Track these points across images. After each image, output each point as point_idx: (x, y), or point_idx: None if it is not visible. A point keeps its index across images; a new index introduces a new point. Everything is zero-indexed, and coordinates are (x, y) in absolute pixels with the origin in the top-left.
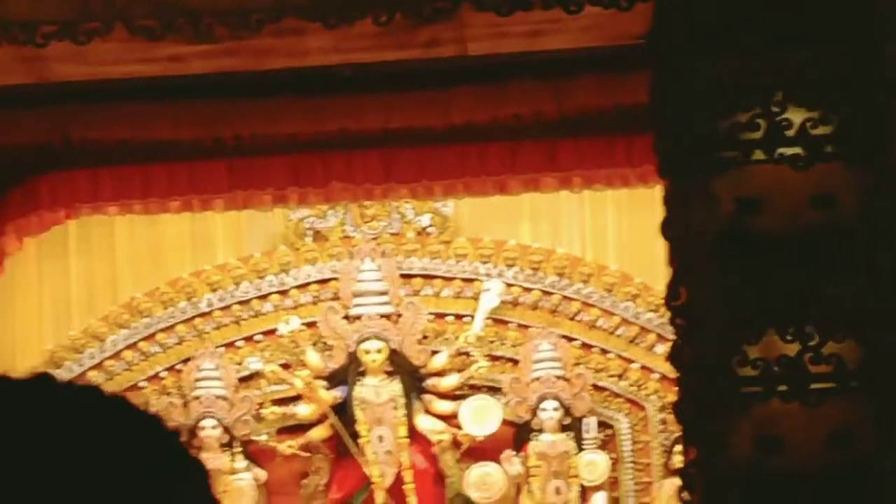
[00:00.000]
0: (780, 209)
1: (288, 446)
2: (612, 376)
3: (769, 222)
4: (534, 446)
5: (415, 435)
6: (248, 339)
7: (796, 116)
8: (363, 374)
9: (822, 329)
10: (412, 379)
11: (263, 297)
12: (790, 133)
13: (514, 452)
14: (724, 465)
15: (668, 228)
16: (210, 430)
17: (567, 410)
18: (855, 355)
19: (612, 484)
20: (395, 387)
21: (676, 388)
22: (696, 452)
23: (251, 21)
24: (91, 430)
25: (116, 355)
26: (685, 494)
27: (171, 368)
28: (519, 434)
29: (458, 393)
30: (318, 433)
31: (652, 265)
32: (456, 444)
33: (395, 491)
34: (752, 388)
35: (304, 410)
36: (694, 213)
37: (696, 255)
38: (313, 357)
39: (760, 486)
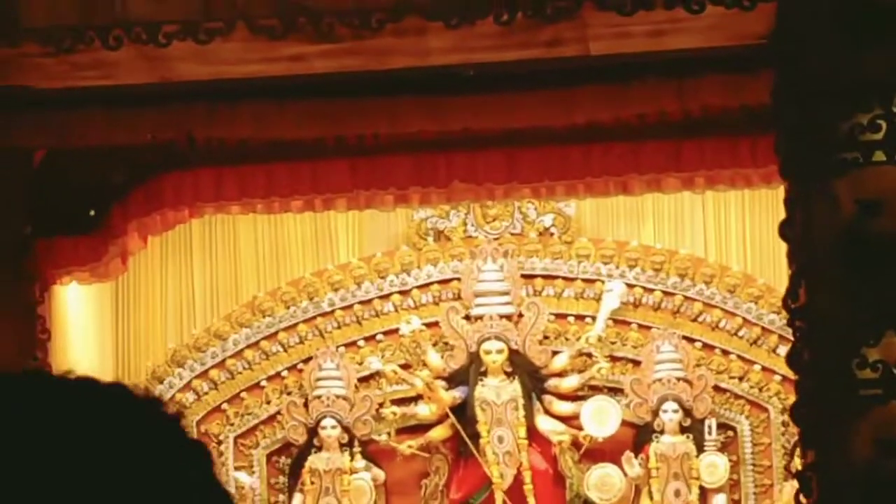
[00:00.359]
0: None
1: (408, 446)
2: (733, 378)
3: (889, 224)
4: (654, 448)
5: (535, 436)
6: (370, 338)
7: None
8: (484, 374)
9: None
10: (533, 379)
11: (385, 297)
12: None
13: (634, 454)
14: (843, 469)
15: (787, 229)
16: (330, 430)
17: (688, 412)
18: None
19: (733, 486)
20: (516, 387)
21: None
22: (813, 456)
23: (372, 21)
24: (87, 418)
25: (238, 354)
26: (802, 498)
27: (292, 368)
28: (639, 435)
29: (578, 394)
30: (438, 433)
31: (775, 266)
32: (576, 445)
33: (515, 492)
34: (872, 391)
35: (424, 411)
36: (814, 214)
37: (815, 257)
38: (434, 357)
39: (879, 489)
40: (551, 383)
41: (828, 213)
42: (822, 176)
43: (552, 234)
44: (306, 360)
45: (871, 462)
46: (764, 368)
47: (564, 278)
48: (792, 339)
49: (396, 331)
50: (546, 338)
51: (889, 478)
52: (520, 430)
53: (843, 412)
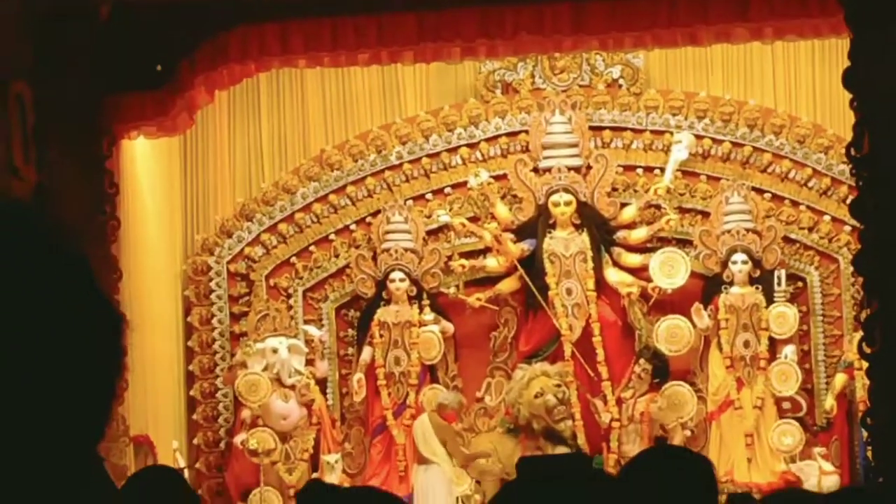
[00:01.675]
0: None
1: (476, 299)
2: (802, 229)
3: None
4: (723, 299)
5: (603, 287)
6: (438, 191)
7: None
8: (552, 226)
9: None
10: (601, 231)
11: (453, 150)
12: None
13: (703, 305)
14: None
15: (851, 78)
16: (399, 283)
17: (757, 263)
18: None
19: (802, 337)
20: (584, 239)
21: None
22: (877, 305)
23: None
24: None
25: (306, 208)
26: (866, 347)
27: (360, 221)
28: (708, 287)
29: (647, 245)
30: (507, 286)
31: (845, 117)
32: (645, 296)
33: (584, 343)
34: None
35: (492, 263)
36: (877, 62)
37: (879, 106)
38: (502, 210)
39: None
40: (620, 235)
41: (890, 62)
42: (887, 24)
43: (620, 86)
44: (374, 214)
45: None
46: (834, 219)
47: (633, 130)
48: None
49: (464, 184)
50: (614, 189)
51: None
52: (588, 281)
53: None
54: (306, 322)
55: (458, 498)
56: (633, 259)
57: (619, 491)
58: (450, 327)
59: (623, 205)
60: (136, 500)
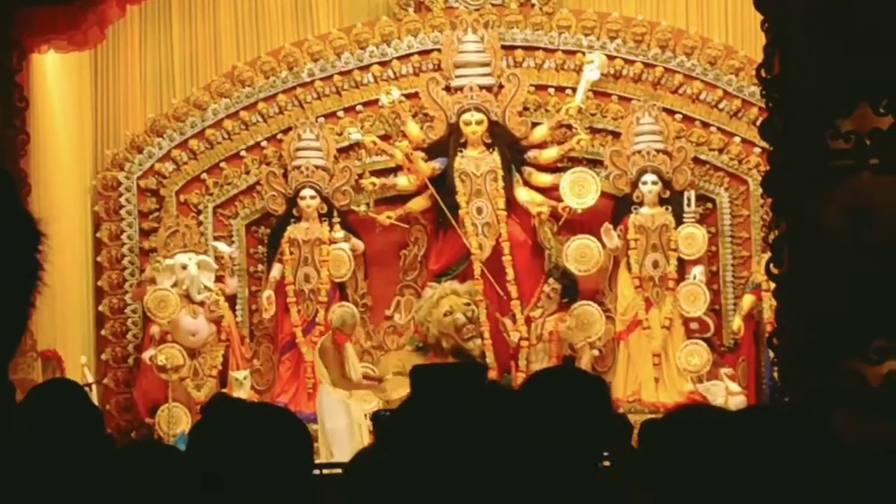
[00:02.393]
0: None
1: (386, 217)
2: (713, 150)
3: None
4: (633, 219)
5: (514, 207)
6: (349, 109)
7: None
8: (463, 145)
9: None
10: (512, 151)
11: (365, 68)
12: None
13: (613, 225)
14: (813, 239)
15: (763, 0)
16: (309, 200)
17: (667, 184)
18: None
19: (711, 258)
20: (495, 159)
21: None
22: (785, 226)
23: None
24: None
25: (217, 124)
26: (773, 267)
27: (271, 138)
28: (618, 207)
29: (558, 165)
30: (417, 204)
31: (757, 38)
32: (555, 216)
33: (493, 262)
34: (844, 162)
35: (403, 181)
36: None
37: (790, 28)
38: (413, 128)
39: (851, 258)
40: (531, 154)
41: None
42: None
43: (533, 5)
44: (286, 131)
45: (841, 232)
46: (744, 141)
47: (545, 49)
48: None
49: (376, 102)
50: (526, 109)
51: (858, 247)
52: (499, 201)
53: (815, 182)
54: (216, 238)
55: (365, 415)
56: (544, 179)
57: (514, 404)
58: (360, 245)
59: (534, 124)
60: (37, 412)
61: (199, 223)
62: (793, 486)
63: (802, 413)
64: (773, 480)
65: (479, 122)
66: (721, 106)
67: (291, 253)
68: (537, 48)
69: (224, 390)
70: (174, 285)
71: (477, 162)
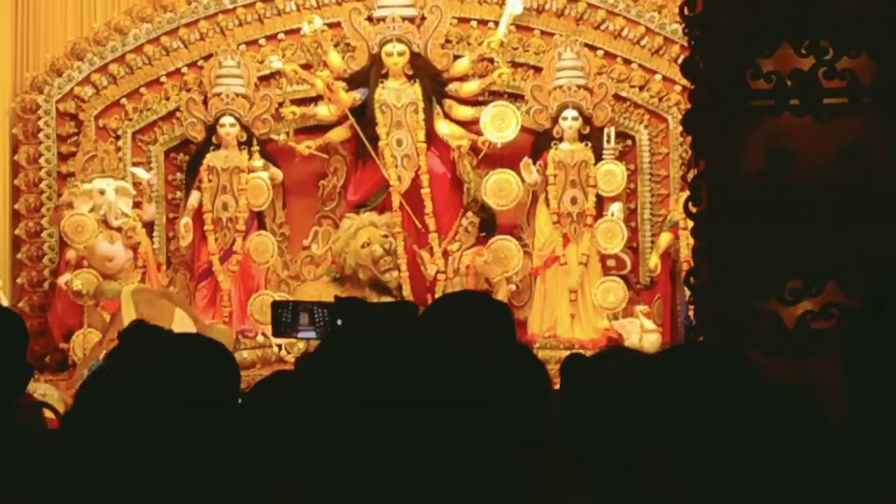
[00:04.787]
0: None
1: (306, 146)
2: (633, 87)
3: None
4: (552, 155)
5: (434, 140)
6: (271, 37)
7: None
8: (385, 76)
9: (837, 43)
10: (433, 83)
11: None
12: None
13: (532, 160)
14: (733, 178)
15: None
16: (229, 128)
17: (587, 120)
18: (868, 71)
19: (629, 195)
20: (416, 90)
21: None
22: (704, 164)
23: None
24: None
25: (138, 49)
26: (691, 206)
27: (192, 65)
28: (538, 142)
29: (479, 99)
30: (337, 134)
31: None
32: (475, 150)
33: (412, 195)
34: (765, 102)
35: (323, 111)
36: None
37: None
38: (335, 58)
39: (769, 198)
40: (452, 87)
41: None
42: None
43: None
44: (207, 58)
45: (760, 172)
46: (665, 78)
47: None
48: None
49: (298, 30)
50: (448, 41)
51: (778, 188)
52: (419, 133)
53: (735, 122)
54: (135, 164)
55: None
56: (465, 112)
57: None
58: (279, 174)
59: (456, 57)
60: None
61: (118, 149)
62: (719, 423)
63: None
64: (699, 420)
65: (400, 54)
66: (643, 43)
67: (210, 181)
68: None
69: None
70: (91, 210)
71: (398, 93)
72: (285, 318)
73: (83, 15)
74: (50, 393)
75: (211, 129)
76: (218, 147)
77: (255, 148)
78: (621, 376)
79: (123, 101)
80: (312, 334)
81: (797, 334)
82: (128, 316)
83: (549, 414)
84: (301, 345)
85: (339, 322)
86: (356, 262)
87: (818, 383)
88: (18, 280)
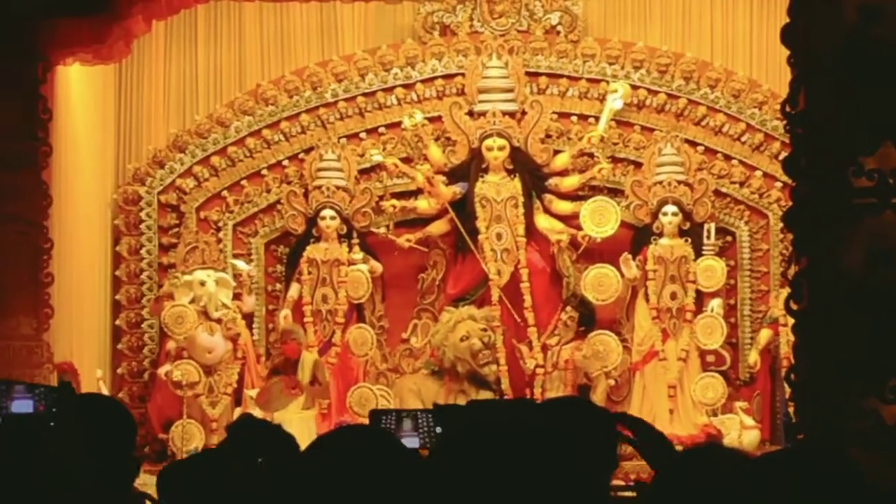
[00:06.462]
0: None
1: (406, 240)
2: (734, 183)
3: (890, 32)
4: (652, 250)
5: (533, 234)
6: (372, 131)
7: None
8: (485, 170)
9: None
10: (533, 178)
11: (388, 90)
12: None
13: (632, 255)
14: (834, 276)
15: (789, 34)
16: (329, 221)
17: (687, 215)
18: None
19: (729, 291)
20: (516, 185)
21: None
22: (806, 262)
23: None
24: None
25: (240, 142)
26: (793, 304)
27: (293, 157)
28: (637, 237)
29: (578, 193)
30: (437, 228)
31: (781, 73)
32: (574, 244)
33: (511, 288)
34: (866, 200)
35: (423, 205)
36: (816, 20)
37: (816, 64)
38: (435, 151)
39: (870, 296)
40: (552, 182)
41: (830, 20)
42: None
43: (558, 33)
44: (308, 151)
45: (861, 270)
46: (765, 175)
47: (569, 77)
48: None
49: (399, 124)
50: (548, 136)
51: (879, 287)
52: (518, 227)
53: (836, 220)
54: (235, 256)
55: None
56: (564, 206)
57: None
58: (378, 267)
59: (556, 152)
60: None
61: (219, 240)
62: None
63: (829, 456)
64: None
65: (501, 148)
66: (743, 139)
67: (310, 273)
68: (561, 76)
69: (238, 409)
70: (192, 301)
71: (498, 187)
72: (388, 425)
73: (185, 107)
74: (150, 483)
75: (311, 221)
76: (318, 239)
77: (355, 241)
78: (721, 478)
79: (225, 193)
80: (416, 442)
81: None
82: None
83: None
84: None
85: (438, 430)
86: (455, 355)
87: None
88: (119, 370)
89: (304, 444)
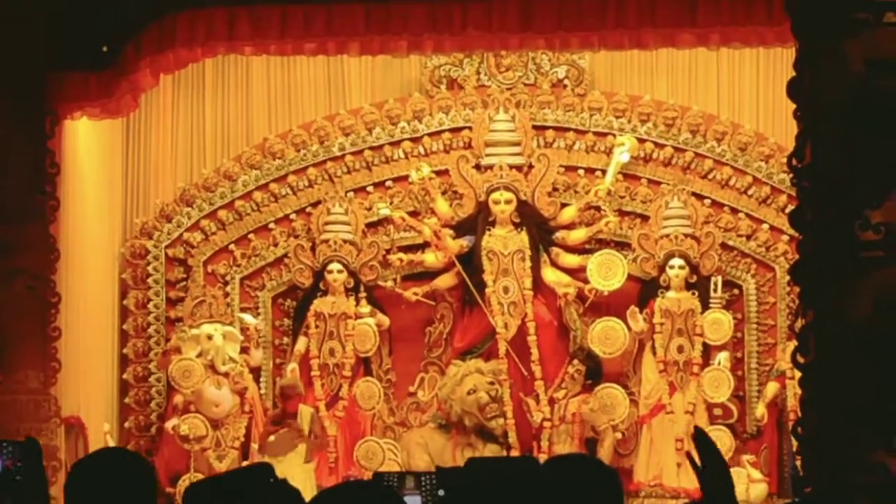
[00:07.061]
0: None
1: (413, 293)
2: (741, 236)
3: None
4: (659, 303)
5: (540, 287)
6: (379, 184)
7: None
8: (492, 224)
9: None
10: (540, 231)
11: (395, 144)
12: None
13: (639, 308)
14: (841, 329)
15: (796, 88)
16: (336, 275)
17: (694, 269)
18: None
19: (736, 344)
20: (523, 238)
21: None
22: (812, 315)
23: None
24: None
25: (247, 196)
26: (800, 357)
27: (300, 211)
28: (644, 290)
29: (585, 247)
30: (444, 281)
31: (787, 126)
32: (581, 297)
33: (519, 342)
34: (873, 253)
35: (430, 258)
36: (823, 73)
37: (822, 117)
38: (442, 205)
39: (877, 350)
40: (559, 235)
41: (836, 74)
42: (833, 35)
43: (565, 86)
44: (315, 204)
45: (869, 323)
46: (772, 228)
47: (576, 131)
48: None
49: (406, 177)
50: (555, 189)
51: (886, 339)
52: (525, 280)
53: (843, 273)
54: (242, 310)
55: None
56: (571, 260)
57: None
58: (385, 320)
59: (563, 205)
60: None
61: (226, 294)
62: None
63: None
64: None
65: (507, 202)
66: (750, 192)
67: (317, 326)
68: (568, 129)
69: (246, 462)
70: (199, 355)
71: (505, 241)
72: (391, 483)
73: (192, 161)
74: None
75: (318, 275)
76: (325, 293)
77: (363, 294)
78: None
79: (232, 246)
80: (418, 500)
81: None
82: None
83: None
84: None
85: (440, 493)
86: (462, 408)
87: None
88: (126, 424)
89: (306, 497)
